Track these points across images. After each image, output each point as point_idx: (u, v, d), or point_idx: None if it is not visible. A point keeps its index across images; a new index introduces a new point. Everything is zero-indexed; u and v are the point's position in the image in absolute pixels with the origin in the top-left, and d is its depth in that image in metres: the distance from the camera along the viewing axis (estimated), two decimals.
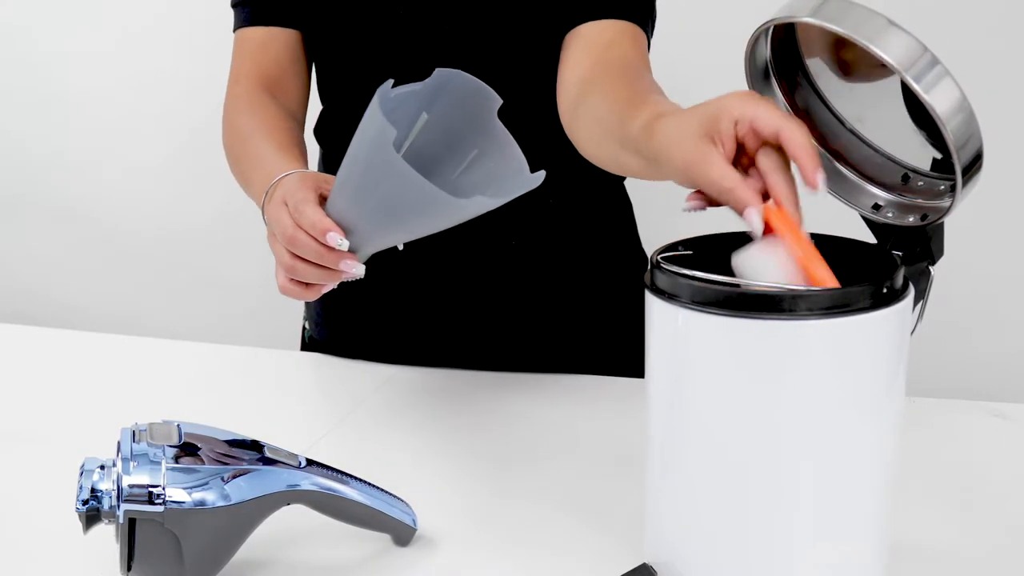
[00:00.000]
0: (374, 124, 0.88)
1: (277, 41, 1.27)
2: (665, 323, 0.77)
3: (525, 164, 0.96)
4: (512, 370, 1.30)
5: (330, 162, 1.34)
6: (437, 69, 0.95)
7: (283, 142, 1.15)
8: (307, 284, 0.99)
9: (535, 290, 1.31)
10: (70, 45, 2.47)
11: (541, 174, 0.93)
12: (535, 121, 1.21)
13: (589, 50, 1.16)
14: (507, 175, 0.96)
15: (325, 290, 1.00)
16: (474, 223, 1.26)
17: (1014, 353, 2.11)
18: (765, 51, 0.87)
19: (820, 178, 0.77)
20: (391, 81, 0.91)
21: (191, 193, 2.48)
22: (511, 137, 0.97)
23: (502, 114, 0.97)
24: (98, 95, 2.48)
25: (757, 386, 0.74)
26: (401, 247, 1.01)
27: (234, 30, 1.29)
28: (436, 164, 0.97)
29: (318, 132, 1.34)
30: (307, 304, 1.44)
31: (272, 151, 1.13)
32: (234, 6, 1.29)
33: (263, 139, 1.16)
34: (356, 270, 0.95)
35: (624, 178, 1.37)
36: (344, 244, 0.93)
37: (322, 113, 1.33)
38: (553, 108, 1.18)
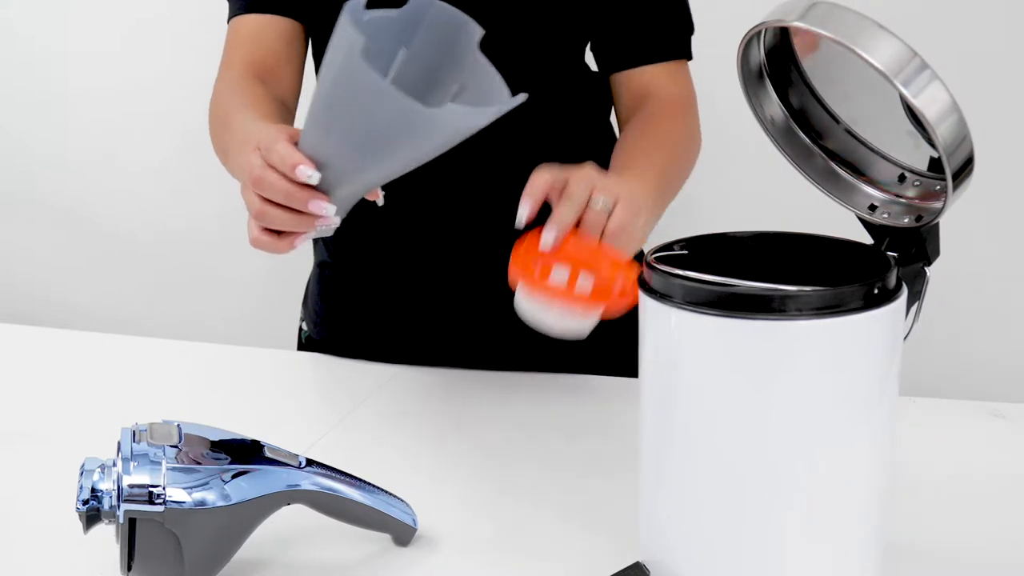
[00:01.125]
0: (343, 39, 0.83)
1: (272, 30, 1.25)
2: (658, 323, 0.78)
3: (507, 91, 0.90)
4: (513, 369, 1.30)
5: None
6: None
7: (267, 116, 1.12)
8: (280, 234, 0.95)
9: None
10: (70, 45, 2.47)
11: (522, 96, 0.87)
12: (543, 121, 1.22)
13: (630, 96, 1.25)
14: (490, 103, 0.89)
15: (299, 242, 0.96)
16: (479, 219, 1.27)
17: (1014, 353, 2.11)
18: (758, 53, 0.87)
19: (549, 235, 0.93)
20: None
21: (191, 193, 2.48)
22: (493, 68, 0.91)
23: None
24: (98, 95, 2.48)
25: (749, 386, 0.74)
26: (381, 199, 0.96)
27: (229, 19, 1.28)
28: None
29: None
30: (306, 303, 1.44)
31: (254, 122, 1.09)
32: None
33: (246, 112, 1.13)
34: (327, 211, 0.90)
35: None
36: (315, 177, 0.88)
37: None
38: (564, 108, 1.19)
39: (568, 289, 0.90)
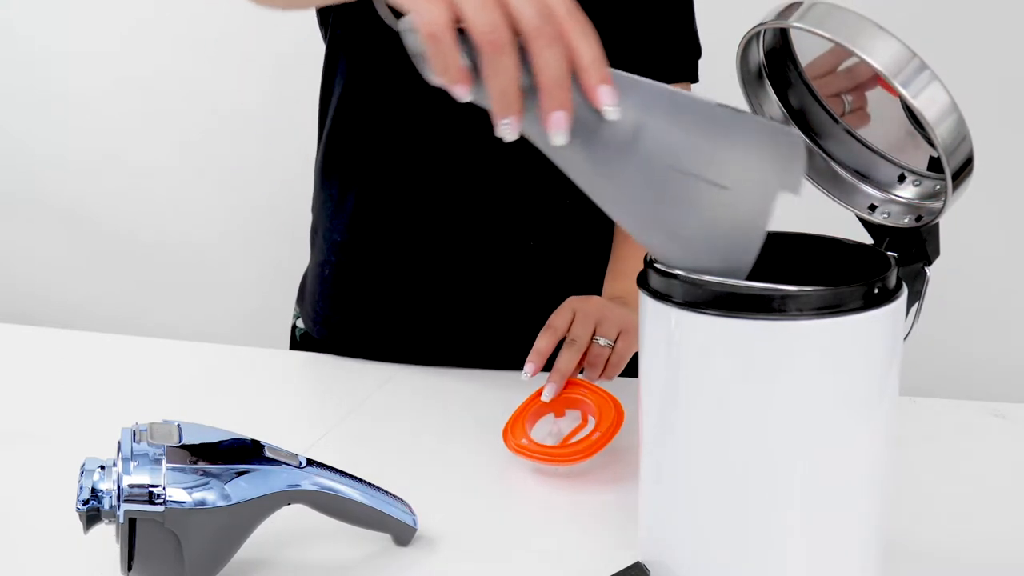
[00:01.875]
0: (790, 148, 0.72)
1: None
2: (658, 323, 0.78)
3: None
4: (514, 369, 1.30)
5: (337, 199, 1.32)
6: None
7: None
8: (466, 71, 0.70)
9: (549, 294, 1.31)
10: (70, 45, 2.47)
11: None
12: None
13: None
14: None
15: (459, 90, 0.70)
16: (495, 223, 1.27)
17: (1014, 353, 2.11)
18: (758, 54, 0.87)
19: (550, 390, 1.09)
20: None
21: (191, 193, 2.48)
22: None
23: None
24: (98, 95, 2.48)
25: (749, 386, 0.74)
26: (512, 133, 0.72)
27: None
28: None
29: (325, 166, 1.33)
30: (301, 301, 1.43)
31: None
32: None
33: None
34: (556, 133, 0.70)
35: None
36: (614, 113, 0.69)
37: (330, 142, 1.32)
38: None
39: (546, 452, 1.04)
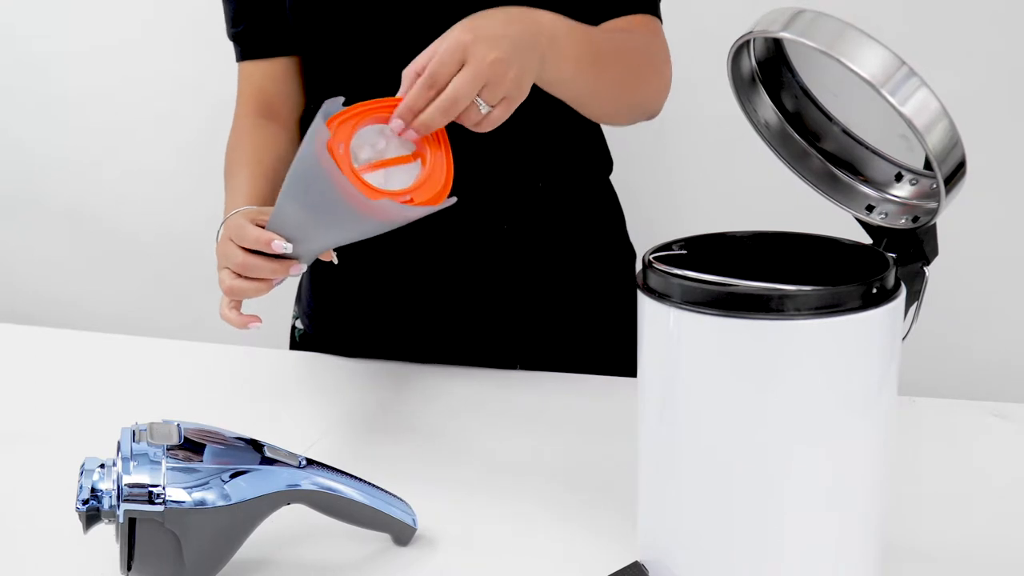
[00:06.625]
0: (315, 129, 0.94)
1: (271, 74, 1.33)
2: (656, 323, 0.78)
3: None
4: (512, 368, 1.30)
5: None
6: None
7: (255, 175, 1.25)
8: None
9: (526, 280, 1.32)
10: (70, 45, 2.47)
11: (452, 200, 0.99)
12: (539, 124, 1.23)
13: None
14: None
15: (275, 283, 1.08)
16: (466, 207, 1.27)
17: (1014, 353, 2.11)
18: (750, 60, 0.87)
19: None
20: (341, 99, 0.97)
21: (191, 193, 2.48)
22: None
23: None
24: (98, 95, 2.48)
25: (747, 386, 0.75)
26: (335, 260, 1.08)
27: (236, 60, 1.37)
28: None
29: (303, 125, 1.36)
30: (299, 299, 1.44)
31: (241, 185, 1.24)
32: (230, 39, 1.36)
33: (240, 172, 1.27)
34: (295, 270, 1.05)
35: (607, 171, 1.38)
36: (288, 247, 1.01)
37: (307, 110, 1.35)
38: (558, 111, 1.19)
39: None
